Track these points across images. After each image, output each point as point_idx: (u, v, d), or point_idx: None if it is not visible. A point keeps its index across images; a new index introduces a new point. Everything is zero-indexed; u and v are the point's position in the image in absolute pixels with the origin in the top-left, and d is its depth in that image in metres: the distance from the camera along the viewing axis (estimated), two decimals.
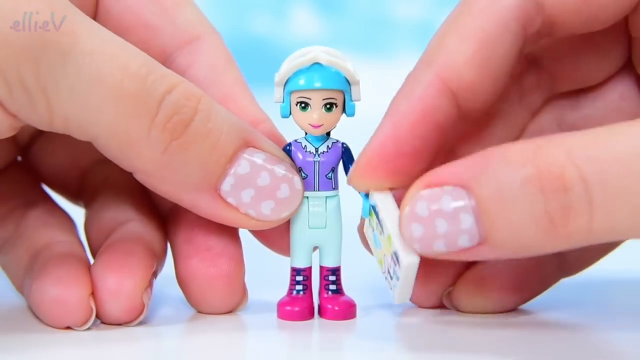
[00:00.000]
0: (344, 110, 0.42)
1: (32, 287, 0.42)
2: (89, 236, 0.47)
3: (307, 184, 0.43)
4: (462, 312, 0.45)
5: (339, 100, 0.42)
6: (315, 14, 1.42)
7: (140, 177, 0.41)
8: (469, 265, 0.45)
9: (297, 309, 0.43)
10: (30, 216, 0.46)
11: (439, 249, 0.38)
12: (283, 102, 0.42)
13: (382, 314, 0.45)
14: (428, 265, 0.40)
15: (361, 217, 0.43)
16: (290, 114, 0.42)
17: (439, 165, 0.39)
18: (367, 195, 0.42)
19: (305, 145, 0.43)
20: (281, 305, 0.43)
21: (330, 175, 0.43)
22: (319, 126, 0.42)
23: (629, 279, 0.54)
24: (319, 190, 0.43)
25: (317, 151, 0.43)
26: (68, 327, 0.41)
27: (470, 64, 0.40)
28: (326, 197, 0.43)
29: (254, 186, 0.41)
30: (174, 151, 0.40)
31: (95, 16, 0.46)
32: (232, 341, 0.41)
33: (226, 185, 0.41)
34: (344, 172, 0.43)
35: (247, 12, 1.38)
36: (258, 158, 0.41)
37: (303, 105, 0.42)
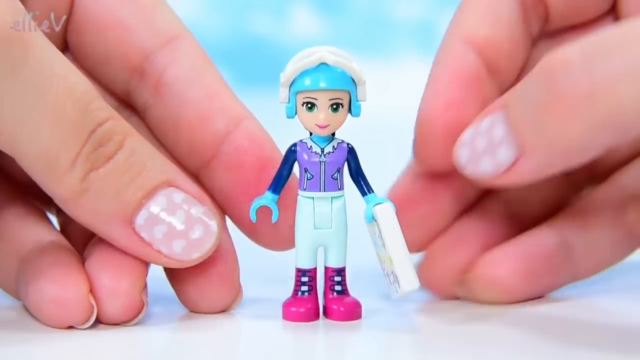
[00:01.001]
0: (349, 110, 0.42)
1: (28, 289, 0.41)
2: (69, 238, 0.46)
3: (313, 185, 0.43)
4: (474, 301, 0.45)
5: (345, 101, 0.42)
6: (315, 14, 1.42)
7: (58, 202, 0.41)
8: (480, 250, 0.46)
9: (302, 310, 0.43)
10: (8, 216, 0.46)
11: (484, 168, 0.41)
12: (288, 102, 0.42)
13: (388, 315, 0.45)
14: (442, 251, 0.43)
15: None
16: (295, 114, 0.42)
17: None
18: (370, 199, 0.43)
19: (311, 146, 0.43)
20: (286, 306, 0.43)
21: (335, 175, 0.43)
22: (326, 126, 0.42)
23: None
24: (324, 191, 0.43)
25: (322, 151, 0.43)
26: (70, 327, 0.41)
27: (484, 23, 0.45)
28: (332, 198, 0.43)
29: (167, 224, 0.41)
30: (93, 180, 0.40)
31: (70, 16, 0.46)
32: (236, 342, 0.41)
33: (140, 219, 0.41)
34: (348, 173, 0.43)
35: (247, 12, 1.38)
36: (177, 197, 0.41)
37: (309, 105, 0.42)
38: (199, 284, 0.43)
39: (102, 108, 0.40)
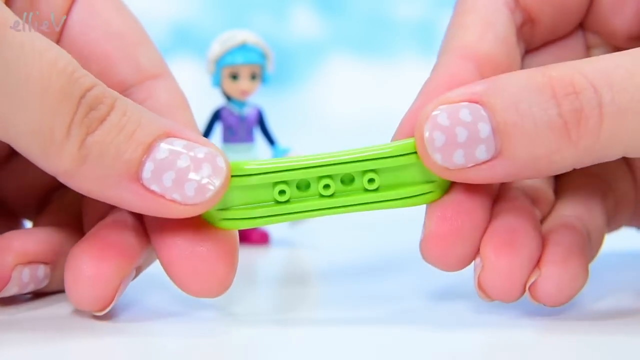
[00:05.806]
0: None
1: None
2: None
3: (235, 137, 0.59)
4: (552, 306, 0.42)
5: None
6: (315, 14, 1.43)
7: (63, 179, 0.41)
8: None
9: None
10: None
11: (458, 160, 0.40)
12: None
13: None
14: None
15: None
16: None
17: None
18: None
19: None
20: None
21: (252, 130, 0.60)
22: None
23: None
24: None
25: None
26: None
27: (482, 41, 0.44)
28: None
29: (174, 169, 0.40)
30: (90, 145, 0.40)
31: (57, 43, 0.46)
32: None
33: (146, 172, 0.40)
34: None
35: (247, 12, 1.38)
36: (177, 144, 0.41)
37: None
38: (193, 261, 0.42)
39: (86, 75, 0.40)
